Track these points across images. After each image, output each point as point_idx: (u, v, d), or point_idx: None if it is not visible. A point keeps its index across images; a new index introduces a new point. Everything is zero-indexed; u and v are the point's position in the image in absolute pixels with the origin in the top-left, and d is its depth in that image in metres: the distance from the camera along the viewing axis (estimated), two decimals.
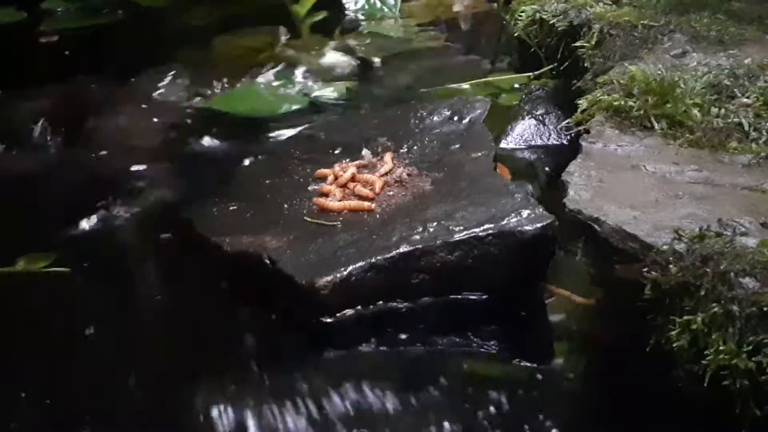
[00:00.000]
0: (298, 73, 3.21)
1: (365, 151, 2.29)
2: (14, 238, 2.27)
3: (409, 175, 2.20)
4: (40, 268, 2.11)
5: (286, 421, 1.69)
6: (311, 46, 3.41)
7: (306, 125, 2.63)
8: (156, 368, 1.85)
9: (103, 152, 2.70)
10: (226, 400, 1.75)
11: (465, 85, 3.00)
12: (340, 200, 2.12)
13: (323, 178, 2.24)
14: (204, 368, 1.85)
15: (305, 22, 3.47)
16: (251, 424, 1.69)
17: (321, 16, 3.58)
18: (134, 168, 2.61)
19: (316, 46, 3.42)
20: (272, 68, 3.18)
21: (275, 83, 3.14)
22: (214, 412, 1.72)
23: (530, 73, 2.84)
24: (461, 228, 1.93)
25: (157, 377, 1.82)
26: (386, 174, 2.20)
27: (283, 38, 3.49)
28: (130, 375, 1.83)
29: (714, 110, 2.07)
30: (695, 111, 2.07)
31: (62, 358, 1.88)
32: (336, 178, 2.21)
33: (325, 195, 2.16)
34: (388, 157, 2.26)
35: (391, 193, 2.16)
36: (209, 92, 3.05)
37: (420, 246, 1.91)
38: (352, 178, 2.20)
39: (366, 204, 2.09)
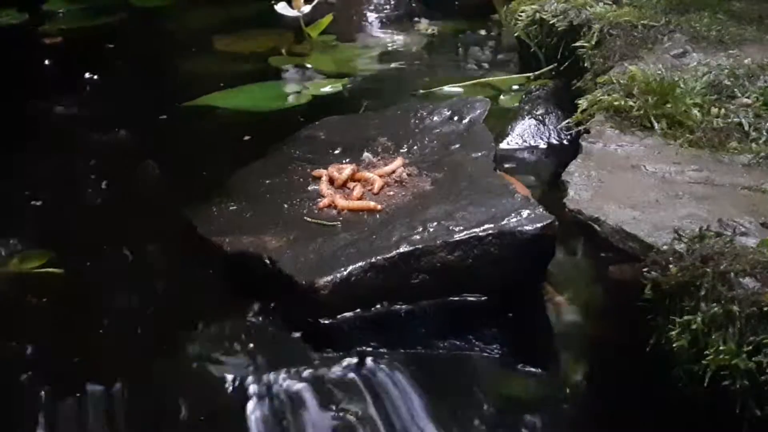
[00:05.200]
0: (298, 71, 3.23)
1: (366, 154, 2.29)
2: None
3: (409, 175, 2.20)
4: (32, 269, 2.10)
5: (284, 425, 1.69)
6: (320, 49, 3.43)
7: (305, 125, 2.62)
8: (154, 369, 1.84)
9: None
10: (223, 403, 1.75)
11: (464, 86, 2.99)
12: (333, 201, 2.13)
13: (320, 178, 2.23)
14: (201, 369, 1.85)
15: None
16: (248, 427, 1.69)
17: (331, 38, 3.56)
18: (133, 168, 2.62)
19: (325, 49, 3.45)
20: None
21: (270, 81, 3.15)
22: (213, 414, 1.72)
23: (530, 74, 2.84)
24: (461, 228, 1.93)
25: (154, 378, 1.82)
26: (387, 174, 2.20)
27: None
28: (127, 375, 1.82)
29: (714, 110, 2.07)
30: (695, 111, 2.07)
31: (60, 358, 1.88)
32: (330, 178, 2.21)
33: (321, 196, 2.16)
34: (399, 160, 2.25)
35: (391, 193, 2.16)
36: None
37: (420, 246, 1.91)
38: (352, 177, 2.20)
39: (372, 204, 2.09)
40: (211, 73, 3.28)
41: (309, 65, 3.29)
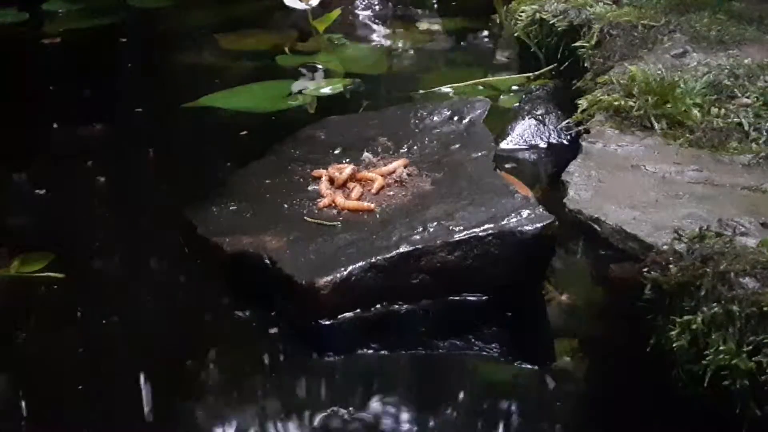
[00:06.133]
0: (305, 71, 3.24)
1: (366, 154, 2.29)
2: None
3: (409, 175, 2.20)
4: (33, 272, 2.10)
5: (284, 426, 1.69)
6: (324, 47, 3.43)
7: (305, 125, 2.62)
8: (154, 370, 1.84)
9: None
10: (223, 404, 1.75)
11: (464, 86, 2.99)
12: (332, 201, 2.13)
13: (320, 178, 2.23)
14: (202, 371, 1.85)
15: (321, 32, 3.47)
16: (248, 427, 1.69)
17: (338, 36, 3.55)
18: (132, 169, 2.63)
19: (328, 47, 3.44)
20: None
21: (272, 80, 3.15)
22: (212, 416, 1.72)
23: (530, 74, 2.84)
24: (461, 228, 1.93)
25: (154, 380, 1.81)
26: (388, 174, 2.20)
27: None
28: (126, 377, 1.82)
29: (714, 110, 2.08)
30: (695, 111, 2.07)
31: (59, 358, 1.88)
32: (330, 178, 2.21)
33: (321, 196, 2.16)
34: (401, 160, 2.25)
35: (391, 193, 2.16)
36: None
37: (420, 246, 1.91)
38: (352, 177, 2.20)
39: (366, 204, 2.10)
40: (213, 72, 3.28)
41: (319, 65, 3.28)
